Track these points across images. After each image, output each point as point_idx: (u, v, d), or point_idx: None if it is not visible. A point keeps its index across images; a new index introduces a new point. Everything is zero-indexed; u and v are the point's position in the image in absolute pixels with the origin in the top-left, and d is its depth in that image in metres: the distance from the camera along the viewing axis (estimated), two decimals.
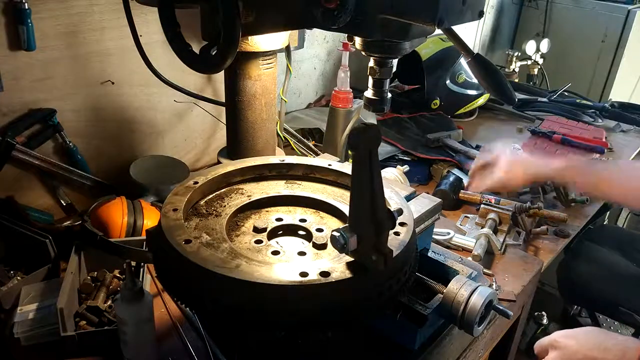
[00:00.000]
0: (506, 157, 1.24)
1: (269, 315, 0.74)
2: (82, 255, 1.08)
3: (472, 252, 1.25)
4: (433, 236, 1.18)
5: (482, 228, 1.35)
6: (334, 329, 0.83)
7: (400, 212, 0.79)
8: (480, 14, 0.82)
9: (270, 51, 1.16)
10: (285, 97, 1.71)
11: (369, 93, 0.93)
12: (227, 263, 0.76)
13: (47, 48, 1.20)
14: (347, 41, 1.49)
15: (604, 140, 1.97)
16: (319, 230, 0.94)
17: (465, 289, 0.91)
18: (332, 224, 0.97)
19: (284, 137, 1.70)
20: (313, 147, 1.74)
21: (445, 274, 1.01)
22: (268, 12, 0.93)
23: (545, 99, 2.39)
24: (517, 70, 2.84)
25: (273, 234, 0.94)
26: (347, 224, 0.77)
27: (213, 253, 0.80)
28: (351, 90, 1.59)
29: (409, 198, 1.07)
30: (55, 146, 1.31)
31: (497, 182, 1.26)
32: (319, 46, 2.08)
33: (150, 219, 1.20)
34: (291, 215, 0.99)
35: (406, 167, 1.47)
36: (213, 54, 0.88)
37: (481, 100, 2.19)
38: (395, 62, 0.91)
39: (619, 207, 1.10)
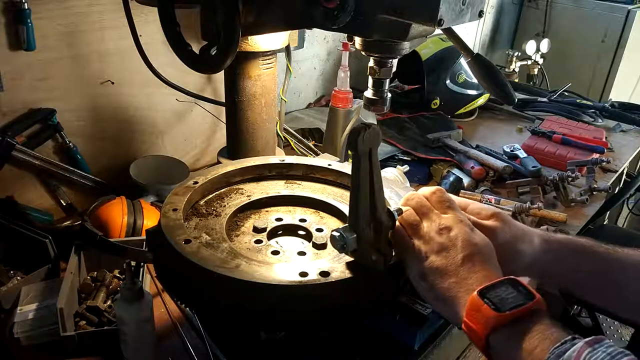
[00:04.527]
0: None
1: (269, 315, 0.74)
2: (82, 255, 1.07)
3: None
4: None
5: None
6: (334, 329, 0.83)
7: (400, 212, 0.79)
8: (480, 14, 0.82)
9: (270, 51, 1.16)
10: (285, 97, 1.71)
11: (369, 93, 0.93)
12: (227, 263, 0.76)
13: (47, 48, 1.20)
14: (347, 41, 1.49)
15: (604, 140, 1.96)
16: (319, 230, 0.94)
17: None
18: (332, 224, 0.97)
19: (284, 137, 1.70)
20: (313, 147, 1.74)
21: None
22: (268, 12, 0.93)
23: (545, 99, 2.39)
24: (517, 70, 2.84)
25: (273, 234, 0.94)
26: (347, 224, 0.77)
27: (213, 253, 0.80)
28: (351, 90, 1.59)
29: None
30: (55, 146, 1.31)
31: None
32: (319, 46, 2.08)
33: (150, 219, 1.20)
34: (291, 215, 0.99)
35: (406, 167, 1.47)
36: (213, 54, 0.88)
37: (481, 100, 2.19)
38: (395, 62, 0.91)
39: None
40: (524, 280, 0.67)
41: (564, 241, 0.81)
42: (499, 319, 0.61)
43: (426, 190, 0.81)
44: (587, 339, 0.57)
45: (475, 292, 0.64)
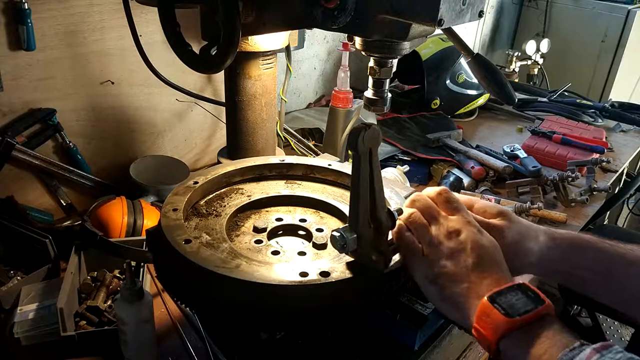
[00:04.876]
0: None
1: (269, 315, 0.74)
2: (82, 255, 1.07)
3: None
4: None
5: None
6: (334, 329, 0.83)
7: (400, 212, 0.79)
8: (480, 14, 0.82)
9: (270, 51, 1.16)
10: (285, 97, 1.71)
11: (369, 93, 0.93)
12: (227, 263, 0.76)
13: (47, 48, 1.20)
14: (347, 41, 1.49)
15: (604, 140, 1.97)
16: (319, 230, 0.94)
17: None
18: (332, 224, 0.97)
19: (284, 137, 1.70)
20: (313, 147, 1.74)
21: None
22: (268, 12, 0.93)
23: (545, 99, 2.39)
24: (517, 70, 2.84)
25: (273, 234, 0.94)
26: (347, 224, 0.77)
27: (213, 253, 0.80)
28: (351, 90, 1.58)
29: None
30: (55, 146, 1.31)
31: None
32: (319, 46, 2.08)
33: (150, 219, 1.20)
34: (291, 215, 0.99)
35: (406, 167, 1.47)
36: (213, 54, 0.88)
37: (481, 100, 2.19)
38: (395, 62, 0.91)
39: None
40: (526, 278, 0.67)
41: (569, 238, 0.81)
42: (509, 325, 0.61)
43: (431, 190, 0.81)
44: (595, 345, 0.56)
45: (486, 297, 0.63)
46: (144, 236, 1.14)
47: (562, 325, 0.62)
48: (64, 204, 1.34)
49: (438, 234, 0.74)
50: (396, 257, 0.78)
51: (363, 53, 0.90)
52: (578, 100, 2.41)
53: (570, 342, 0.58)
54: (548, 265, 0.80)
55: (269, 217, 0.98)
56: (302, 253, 0.88)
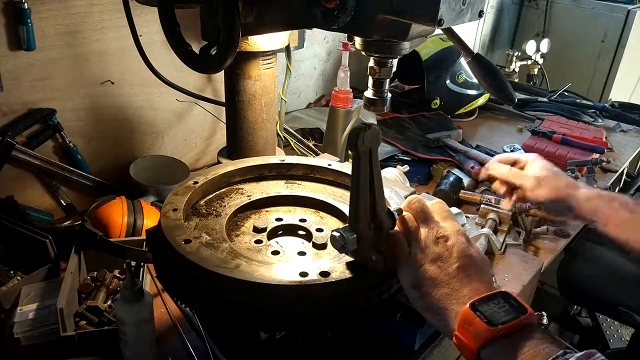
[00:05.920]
0: (541, 163, 1.13)
1: (269, 315, 0.74)
2: (82, 255, 1.07)
3: None
4: None
5: (482, 228, 1.35)
6: (334, 329, 0.83)
7: (400, 212, 0.79)
8: (480, 14, 0.82)
9: (270, 51, 1.16)
10: (285, 97, 1.71)
11: (369, 93, 0.93)
12: (227, 263, 0.76)
13: (47, 48, 1.20)
14: (347, 41, 1.49)
15: (604, 140, 1.97)
16: (319, 230, 0.94)
17: None
18: (332, 224, 0.97)
19: (284, 137, 1.70)
20: (313, 147, 1.74)
21: None
22: (268, 12, 0.93)
23: (545, 99, 2.39)
24: (517, 70, 2.84)
25: (273, 234, 0.94)
26: (347, 224, 0.77)
27: (213, 253, 0.80)
28: (351, 90, 1.59)
29: None
30: (55, 146, 1.31)
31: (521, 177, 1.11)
32: (319, 46, 2.08)
33: (150, 219, 1.20)
34: (291, 215, 0.99)
35: (406, 167, 1.47)
36: (213, 54, 0.88)
37: (481, 100, 2.19)
38: (395, 62, 0.91)
39: None
40: (515, 292, 0.67)
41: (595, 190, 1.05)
42: (491, 333, 0.60)
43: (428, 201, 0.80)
44: (578, 354, 0.56)
45: (467, 305, 0.63)
46: (144, 236, 1.14)
47: (544, 334, 0.61)
48: (64, 204, 1.34)
49: (427, 238, 0.74)
50: None
51: (363, 53, 0.90)
52: (578, 100, 2.41)
53: (553, 351, 0.58)
54: (595, 208, 1.00)
55: (269, 217, 0.98)
56: (302, 253, 0.88)
